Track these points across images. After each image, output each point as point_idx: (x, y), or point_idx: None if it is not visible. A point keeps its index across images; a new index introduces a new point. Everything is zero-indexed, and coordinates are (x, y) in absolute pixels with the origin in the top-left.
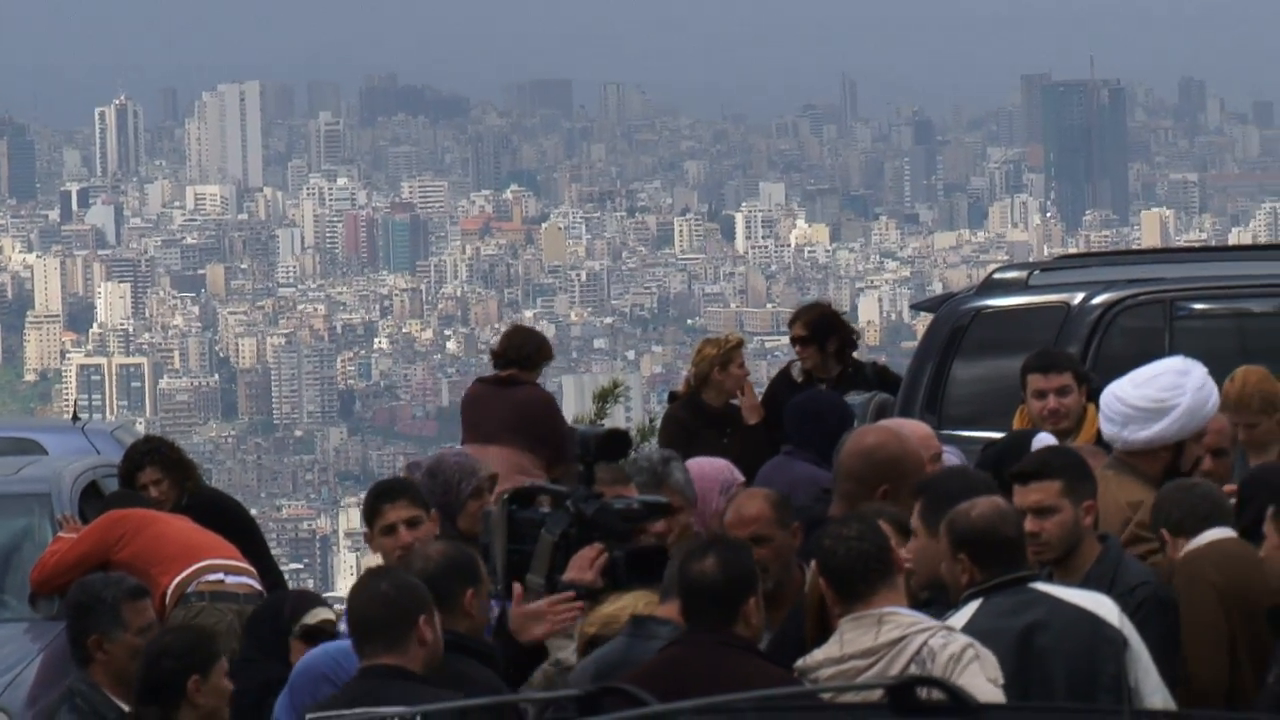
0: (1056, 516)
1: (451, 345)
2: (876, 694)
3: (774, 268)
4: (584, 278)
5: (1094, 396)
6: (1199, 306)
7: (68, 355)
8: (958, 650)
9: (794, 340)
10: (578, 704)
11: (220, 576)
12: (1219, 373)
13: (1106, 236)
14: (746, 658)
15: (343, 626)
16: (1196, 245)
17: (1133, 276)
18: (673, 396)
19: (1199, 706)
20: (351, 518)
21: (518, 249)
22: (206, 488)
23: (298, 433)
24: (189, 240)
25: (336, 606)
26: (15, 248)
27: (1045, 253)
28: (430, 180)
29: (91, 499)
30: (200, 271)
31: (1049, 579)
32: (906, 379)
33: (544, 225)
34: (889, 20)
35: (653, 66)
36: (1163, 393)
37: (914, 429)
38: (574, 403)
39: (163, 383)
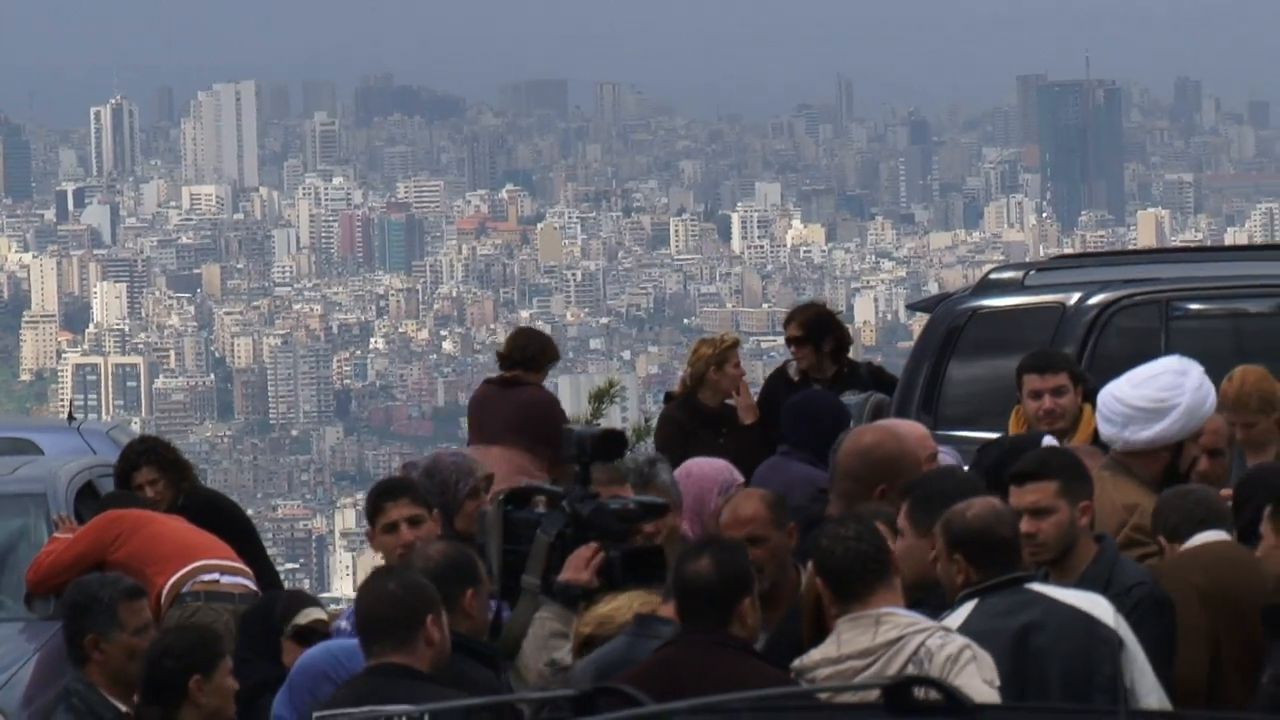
0: (1053, 517)
1: (447, 345)
2: (873, 694)
3: (770, 268)
4: (580, 278)
5: (1090, 397)
6: (1195, 307)
7: (63, 355)
8: (955, 651)
9: (789, 340)
10: (573, 704)
11: (216, 577)
12: (1215, 373)
13: (1102, 237)
14: (742, 658)
15: (344, 624)
16: (1192, 245)
17: (1128, 277)
18: (669, 397)
19: (1177, 705)
20: (347, 518)
21: (513, 249)
22: (202, 488)
23: (294, 433)
24: (184, 240)
25: (332, 607)
26: (11, 247)
27: (1041, 253)
28: (426, 180)
29: (87, 499)
30: (196, 271)
31: (1045, 579)
32: (902, 379)
33: (540, 225)
34: (884, 21)
35: (648, 66)
36: (1162, 393)
37: (910, 429)
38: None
39: (158, 382)
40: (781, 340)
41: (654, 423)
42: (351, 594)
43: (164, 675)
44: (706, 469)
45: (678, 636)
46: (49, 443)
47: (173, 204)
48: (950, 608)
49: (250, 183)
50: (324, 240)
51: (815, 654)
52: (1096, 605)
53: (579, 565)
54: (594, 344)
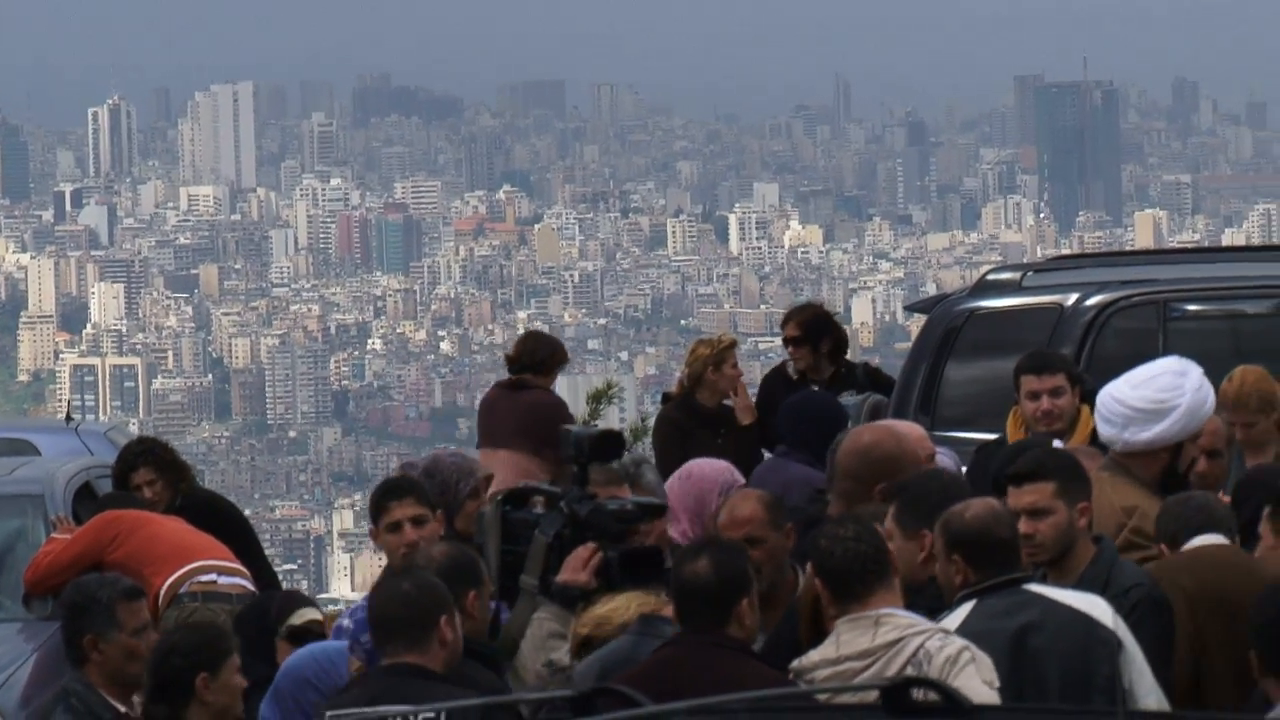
0: (1050, 518)
1: (445, 346)
2: (871, 695)
3: (768, 269)
4: (577, 279)
5: (1087, 398)
6: (1192, 308)
7: (61, 356)
8: (954, 652)
9: (787, 340)
10: (571, 705)
11: (213, 577)
12: (1212, 374)
13: (1100, 238)
14: (740, 659)
15: (346, 622)
16: (1190, 246)
17: (1126, 278)
18: (666, 397)
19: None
20: (345, 519)
21: (511, 250)
22: (200, 489)
23: (291, 433)
24: (182, 241)
25: (329, 608)
26: (9, 248)
27: (1038, 254)
28: (423, 181)
29: (85, 500)
30: (194, 272)
31: (1043, 580)
32: (900, 380)
33: (537, 226)
34: (881, 22)
35: (645, 67)
36: (1162, 393)
37: (907, 430)
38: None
39: (156, 383)
40: (779, 341)
41: (651, 423)
42: (349, 595)
43: (171, 673)
44: (708, 470)
45: (675, 637)
46: (46, 443)
47: (170, 205)
48: (948, 608)
49: (248, 183)
50: (322, 241)
51: (814, 655)
52: (1095, 606)
53: (577, 566)
54: (592, 345)
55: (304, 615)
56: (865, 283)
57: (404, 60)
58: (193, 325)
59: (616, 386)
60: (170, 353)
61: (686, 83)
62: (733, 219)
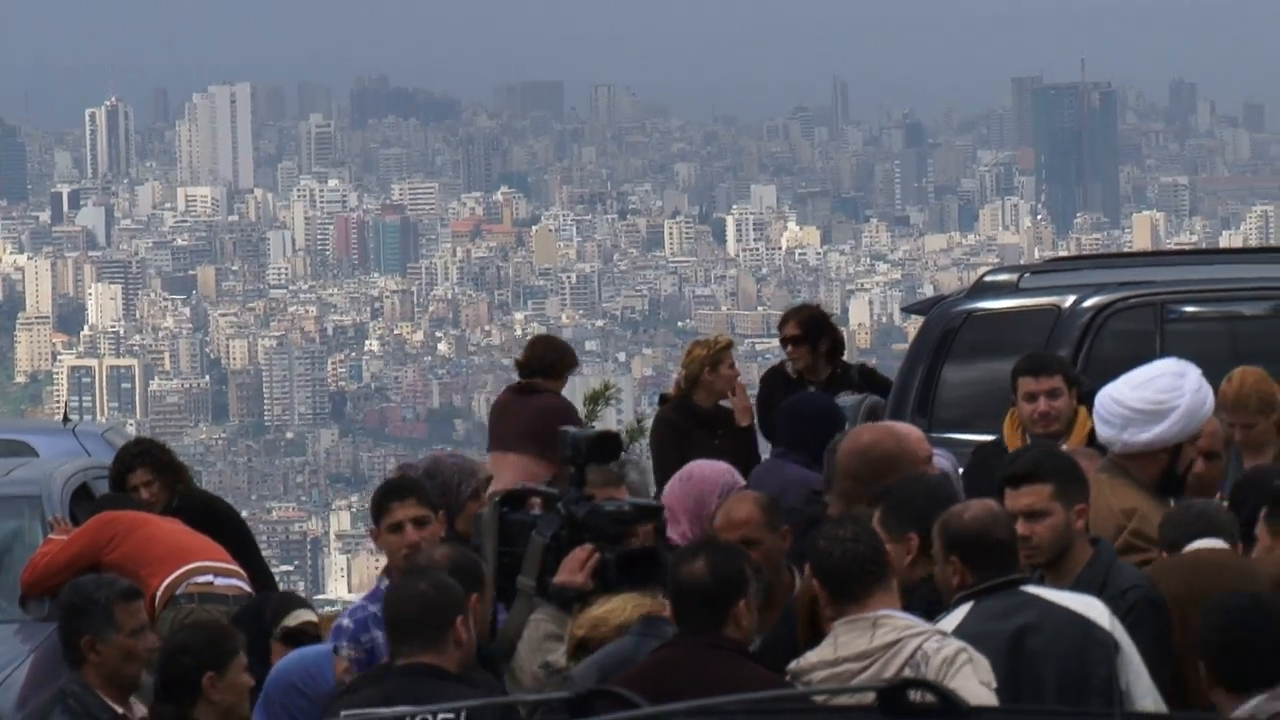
0: (1047, 520)
1: (442, 347)
2: (868, 697)
3: (765, 270)
4: (575, 280)
5: (1085, 399)
6: (1190, 309)
7: (58, 357)
8: (951, 654)
9: (787, 339)
10: (568, 706)
11: (210, 578)
12: (1210, 376)
13: (1097, 239)
14: (737, 660)
15: (346, 621)
16: (1187, 248)
17: (1123, 279)
18: (663, 399)
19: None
20: (342, 520)
21: (508, 251)
22: (197, 490)
23: (289, 435)
24: (180, 242)
25: (326, 609)
26: (6, 249)
27: (1036, 255)
28: (421, 182)
29: (82, 501)
30: (191, 273)
31: (1040, 582)
32: (897, 382)
33: (535, 228)
34: (879, 23)
35: (643, 68)
36: (1162, 394)
37: (907, 430)
38: None
39: (153, 384)
40: (776, 343)
41: (647, 424)
42: (346, 596)
43: (178, 672)
44: (708, 472)
45: (672, 639)
46: (44, 445)
47: (168, 206)
48: (946, 610)
49: (245, 185)
50: (319, 242)
51: (812, 656)
52: (1092, 608)
53: (574, 567)
54: (589, 346)
55: (299, 617)
56: (863, 284)
57: (402, 61)
58: (190, 326)
59: (614, 388)
60: (167, 354)
61: (684, 84)
62: (730, 220)
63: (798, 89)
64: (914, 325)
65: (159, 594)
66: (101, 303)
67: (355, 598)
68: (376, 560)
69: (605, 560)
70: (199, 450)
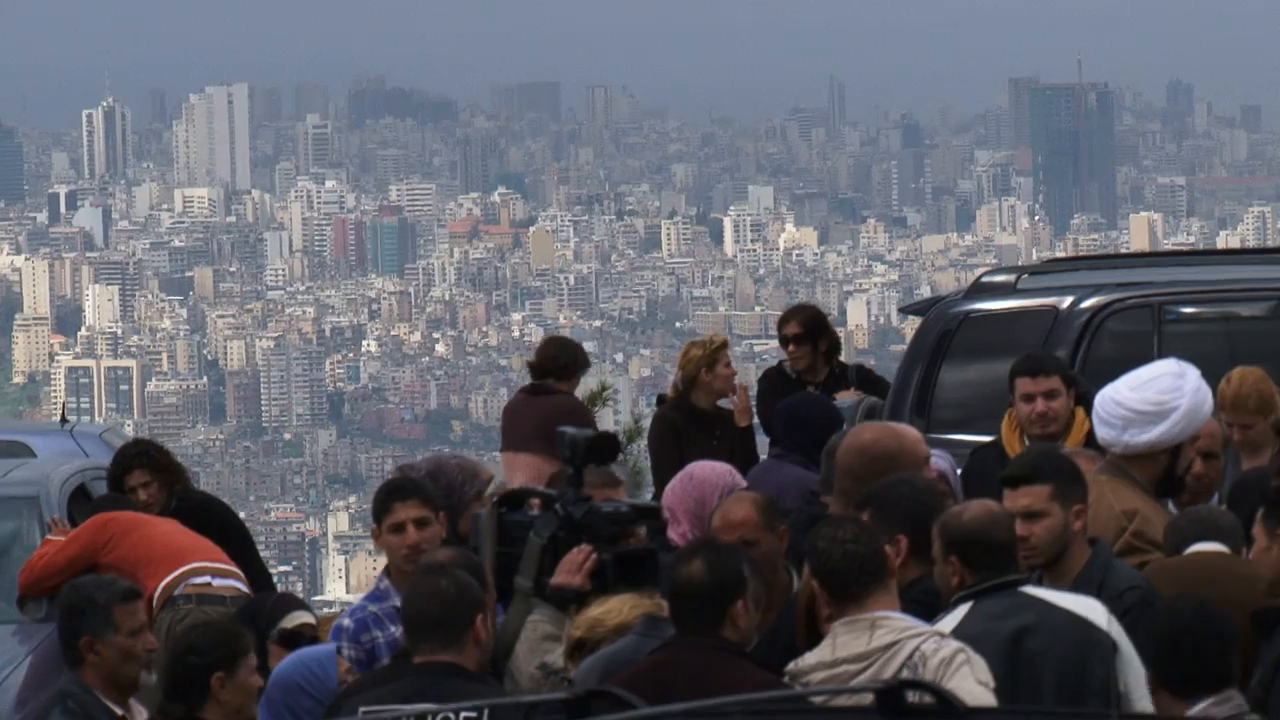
0: (1045, 521)
1: (440, 348)
2: (866, 698)
3: (762, 271)
4: (572, 281)
5: (1082, 400)
6: (1187, 310)
7: (56, 358)
8: (949, 655)
9: (789, 339)
10: (566, 707)
11: (207, 579)
12: (1208, 377)
13: (1095, 240)
14: (734, 661)
15: (346, 621)
16: (1184, 249)
17: (1121, 280)
18: (661, 400)
19: None
20: (340, 521)
21: (506, 252)
22: (195, 491)
23: (286, 436)
24: (177, 243)
25: (324, 611)
26: (3, 250)
27: (1033, 256)
28: (418, 183)
29: (80, 502)
30: (188, 274)
31: (1039, 583)
32: (895, 383)
33: (532, 228)
34: (875, 24)
35: (640, 70)
36: (1162, 395)
37: (906, 430)
38: None
39: (151, 385)
40: (774, 344)
41: (646, 425)
42: (344, 597)
43: (187, 672)
44: (709, 473)
45: (670, 640)
46: (42, 445)
47: (165, 207)
48: (945, 610)
49: (242, 186)
50: (316, 243)
51: (810, 658)
52: (1091, 609)
53: (571, 568)
54: (587, 347)
55: (296, 619)
56: (860, 285)
57: (399, 62)
58: (187, 327)
59: (611, 389)
60: (165, 355)
61: (681, 85)
62: (727, 221)
63: (795, 90)
64: (912, 326)
65: (156, 595)
66: (99, 304)
67: (353, 598)
68: (374, 561)
69: (603, 561)
70: (197, 451)
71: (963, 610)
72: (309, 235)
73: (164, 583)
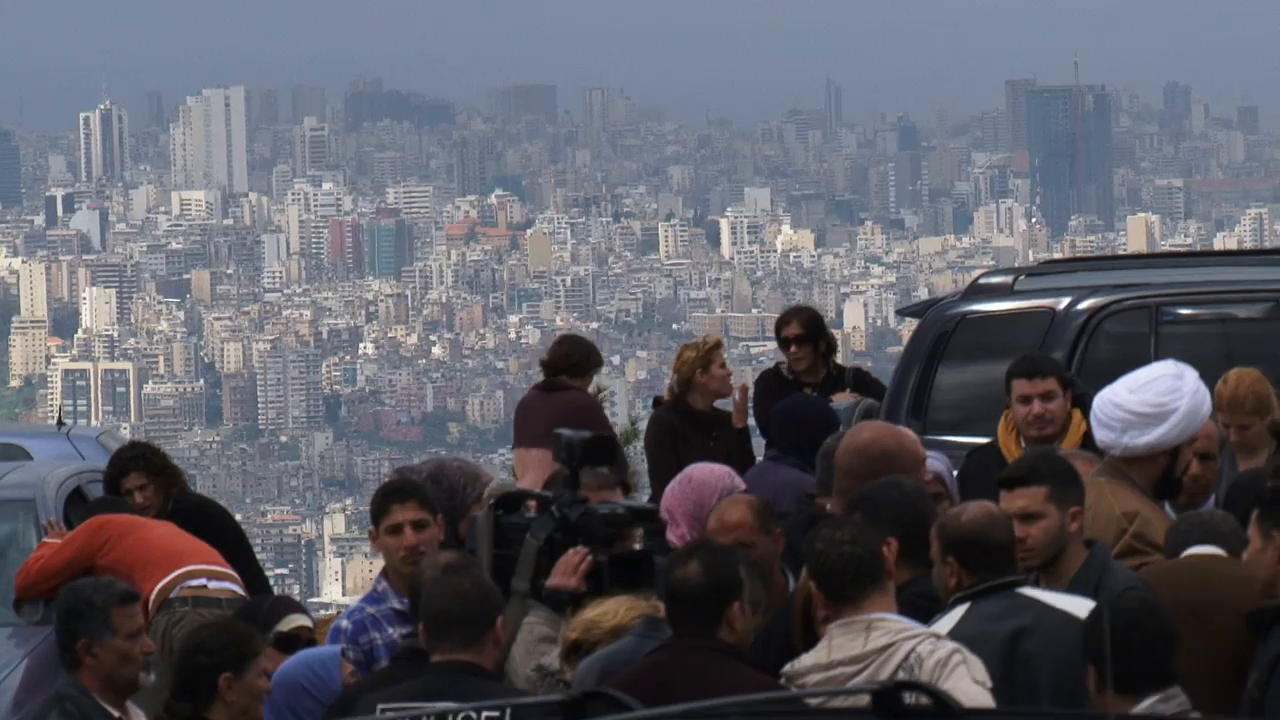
0: (1041, 522)
1: (437, 350)
2: (863, 699)
3: (759, 273)
4: (569, 283)
5: (1079, 402)
6: (1184, 312)
7: (53, 360)
8: (945, 656)
9: (791, 339)
10: (562, 709)
11: (203, 582)
12: (1204, 378)
13: (1092, 242)
14: (731, 663)
15: (345, 622)
16: (1182, 250)
17: (1118, 282)
18: (657, 401)
19: None
20: (337, 523)
21: (503, 254)
22: (191, 493)
23: (283, 438)
24: (174, 245)
25: (320, 613)
26: (0, 253)
27: (1030, 258)
28: (415, 186)
29: (76, 504)
30: (185, 277)
31: (1036, 584)
32: (892, 384)
33: (529, 231)
34: (872, 26)
35: (636, 71)
36: (1161, 397)
37: (904, 430)
38: None
39: (148, 388)
40: (771, 345)
41: (641, 426)
42: (341, 599)
43: (195, 671)
44: (708, 475)
45: (666, 641)
46: (38, 448)
47: (162, 209)
48: (943, 611)
49: (240, 188)
50: (313, 246)
51: (806, 659)
52: (1088, 610)
53: (567, 570)
54: None
55: (292, 621)
56: (857, 287)
57: (396, 65)
58: (184, 330)
59: (607, 390)
60: (162, 357)
61: (678, 87)
62: (724, 223)
63: (792, 92)
64: (909, 328)
65: (152, 597)
66: (96, 306)
67: (350, 601)
68: (371, 564)
69: (598, 563)
70: (193, 454)
71: (960, 611)
72: (306, 238)
73: (160, 585)
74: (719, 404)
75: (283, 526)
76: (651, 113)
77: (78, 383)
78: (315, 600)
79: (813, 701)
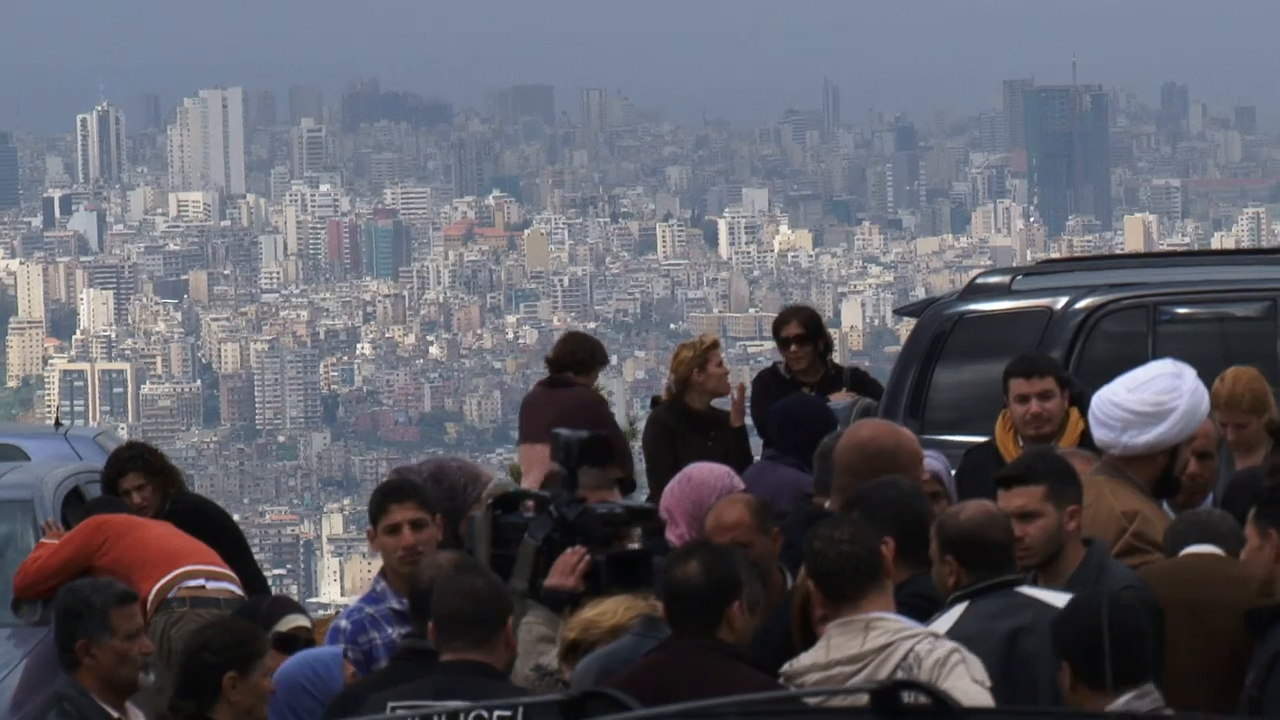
0: (1039, 521)
1: (434, 351)
2: (861, 699)
3: (757, 273)
4: (567, 283)
5: (1077, 401)
6: (1182, 311)
7: (50, 361)
8: (943, 655)
9: (792, 339)
10: (561, 708)
11: (201, 582)
12: (1202, 377)
13: (1089, 242)
14: (730, 663)
15: (344, 622)
16: (1179, 250)
17: (1115, 281)
18: (655, 401)
19: None
20: (335, 523)
21: (500, 255)
22: (189, 494)
23: (280, 438)
24: (171, 246)
25: (319, 613)
26: None
27: (1028, 258)
28: (413, 186)
29: (74, 505)
30: (183, 278)
31: (1034, 583)
32: (890, 384)
33: (526, 231)
34: (869, 26)
35: (634, 72)
36: (1160, 396)
37: (903, 428)
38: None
39: (145, 389)
40: (769, 345)
41: (639, 426)
42: (339, 599)
43: (200, 670)
44: (707, 475)
45: (665, 641)
46: (36, 449)
47: (160, 210)
48: (942, 610)
49: (237, 189)
50: (311, 246)
51: (805, 659)
52: None
53: (565, 570)
54: None
55: (291, 622)
56: (855, 287)
57: (393, 66)
58: (182, 331)
59: (605, 390)
60: (159, 358)
61: (675, 88)
62: (722, 224)
63: (789, 93)
64: (906, 328)
65: (150, 598)
66: (93, 307)
67: (348, 601)
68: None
69: (596, 563)
70: (191, 454)
71: (959, 610)
72: (303, 239)
73: (158, 585)
74: (716, 403)
75: (281, 527)
76: (649, 113)
77: (75, 383)
78: (313, 600)
79: (811, 701)
